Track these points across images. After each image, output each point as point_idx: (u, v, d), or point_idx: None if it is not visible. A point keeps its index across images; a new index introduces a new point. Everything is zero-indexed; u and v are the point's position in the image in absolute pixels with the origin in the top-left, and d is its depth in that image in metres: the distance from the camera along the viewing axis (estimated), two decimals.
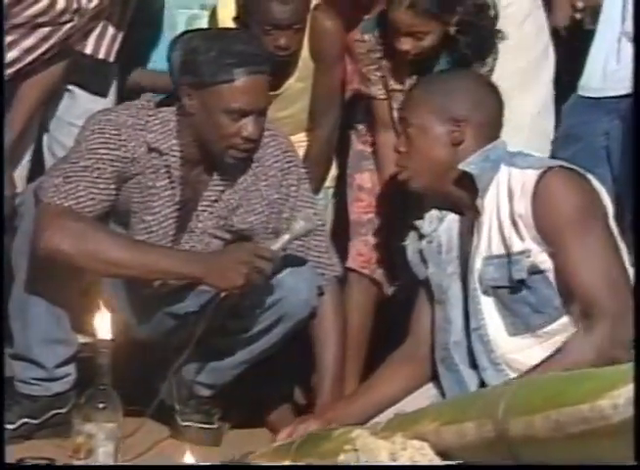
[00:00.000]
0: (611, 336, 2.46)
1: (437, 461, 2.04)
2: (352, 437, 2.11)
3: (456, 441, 2.03)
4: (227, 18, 3.48)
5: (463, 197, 2.67)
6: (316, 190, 3.38)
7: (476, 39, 3.17)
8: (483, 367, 2.63)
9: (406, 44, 3.13)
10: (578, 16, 3.26)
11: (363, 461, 2.02)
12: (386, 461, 2.03)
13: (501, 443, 1.93)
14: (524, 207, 2.57)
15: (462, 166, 2.64)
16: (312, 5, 3.46)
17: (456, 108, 2.66)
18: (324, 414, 2.73)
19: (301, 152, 3.45)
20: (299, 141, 3.51)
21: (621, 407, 1.69)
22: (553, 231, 2.54)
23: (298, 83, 3.50)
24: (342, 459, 2.07)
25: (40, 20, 3.15)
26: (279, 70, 3.38)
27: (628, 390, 1.69)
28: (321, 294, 3.07)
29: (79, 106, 3.37)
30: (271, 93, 3.29)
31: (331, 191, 3.59)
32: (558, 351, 2.51)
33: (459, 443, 2.02)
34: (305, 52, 3.47)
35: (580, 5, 3.22)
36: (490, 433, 1.95)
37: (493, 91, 2.75)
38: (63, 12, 3.17)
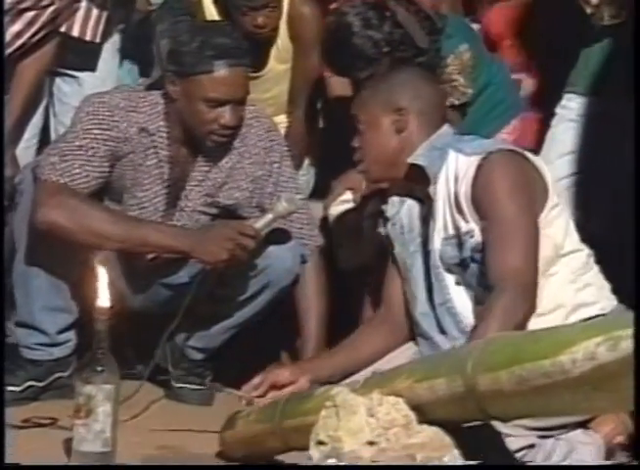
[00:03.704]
0: (515, 305, 2.48)
1: (412, 416, 2.04)
2: (332, 394, 2.11)
3: (429, 396, 2.03)
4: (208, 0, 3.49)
5: (417, 186, 2.70)
6: (298, 166, 3.38)
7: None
8: (454, 337, 2.64)
9: (348, 84, 3.12)
10: (589, 10, 3.20)
11: (342, 416, 2.02)
12: (363, 416, 2.03)
13: (470, 397, 1.93)
14: (465, 190, 2.60)
15: (411, 160, 2.67)
16: None
17: (398, 99, 2.70)
18: (299, 365, 2.75)
19: (284, 131, 3.45)
20: (282, 121, 3.51)
21: (580, 362, 1.69)
22: (484, 207, 2.57)
23: (280, 66, 3.50)
24: (324, 414, 2.08)
25: (23, 5, 3.17)
26: (261, 53, 3.39)
27: (586, 346, 1.70)
28: (304, 262, 3.09)
29: (85, 91, 3.36)
30: (255, 75, 3.31)
31: (312, 167, 3.59)
32: (481, 319, 2.52)
33: (431, 398, 2.02)
34: (285, 36, 3.47)
35: (594, 1, 3.14)
36: (460, 388, 1.95)
37: (432, 83, 2.80)
38: None
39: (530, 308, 2.50)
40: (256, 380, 2.68)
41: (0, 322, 2.98)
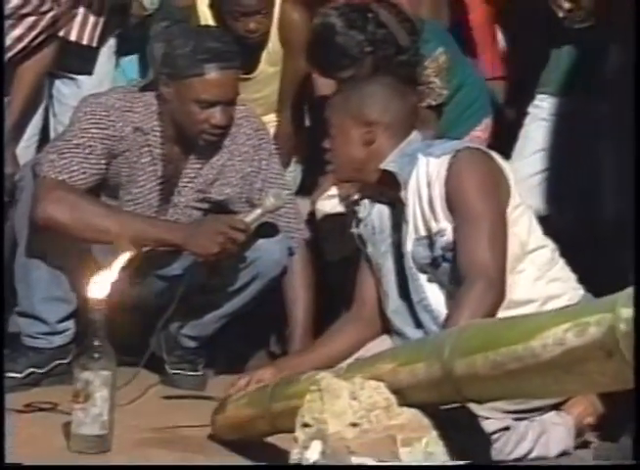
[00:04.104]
0: (484, 295, 2.48)
1: (392, 399, 2.04)
2: (317, 379, 2.11)
3: (409, 380, 2.03)
4: (203, 4, 3.48)
5: (389, 190, 2.69)
6: (286, 164, 3.38)
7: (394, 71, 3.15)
8: (432, 332, 2.64)
9: (333, 86, 3.10)
10: (561, 14, 3.18)
11: (326, 399, 2.03)
12: (347, 399, 2.03)
13: (447, 380, 1.94)
14: (439, 190, 2.59)
15: (383, 166, 2.66)
16: None
17: (368, 112, 2.68)
18: (279, 365, 2.75)
19: (273, 130, 3.45)
20: (271, 120, 3.51)
21: (550, 347, 1.70)
22: (455, 204, 2.57)
23: (270, 68, 3.50)
24: (309, 398, 2.08)
25: (24, 10, 3.17)
26: (253, 56, 3.39)
27: (555, 332, 1.70)
28: (291, 254, 3.08)
29: (83, 92, 3.35)
30: (247, 77, 3.31)
31: (299, 164, 3.59)
32: (453, 308, 2.53)
33: (411, 382, 2.03)
34: (276, 40, 3.47)
35: (567, 6, 3.14)
36: (438, 372, 1.95)
37: (401, 94, 2.77)
38: (42, 2, 3.18)
39: (499, 298, 2.51)
40: (242, 382, 2.66)
41: (0, 320, 2.96)
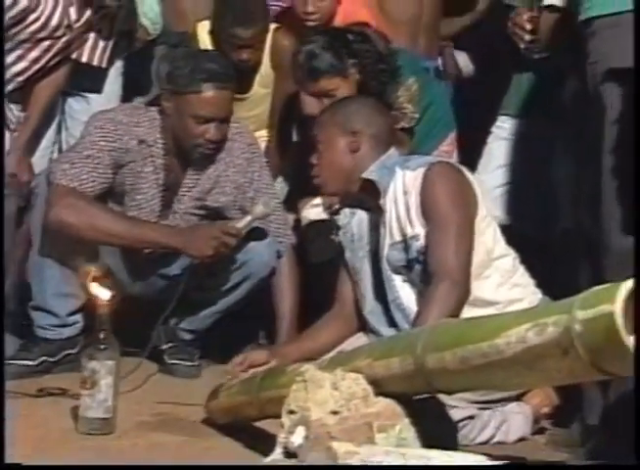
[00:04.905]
0: (450, 293, 2.48)
1: (370, 389, 2.03)
2: (302, 370, 2.10)
3: (384, 373, 2.02)
4: (203, 31, 3.47)
5: (369, 198, 2.69)
6: (275, 176, 3.37)
7: (376, 78, 3.14)
8: (404, 329, 2.64)
9: (321, 104, 3.07)
10: (522, 45, 3.16)
11: (310, 389, 2.01)
12: (328, 389, 2.02)
13: (419, 373, 1.93)
14: (414, 198, 2.59)
15: (365, 175, 2.66)
16: (273, 27, 3.45)
17: (353, 123, 2.69)
18: (270, 350, 2.76)
19: (264, 145, 3.44)
20: (263, 136, 3.51)
21: (512, 344, 1.69)
22: (428, 211, 2.57)
23: (262, 90, 3.49)
24: (294, 388, 2.06)
25: (40, 35, 3.16)
26: (248, 78, 3.38)
27: (518, 331, 1.70)
28: (279, 257, 3.08)
29: (93, 109, 3.33)
30: (241, 96, 3.31)
31: (287, 176, 3.57)
32: (421, 306, 2.53)
33: (386, 374, 2.01)
34: (268, 65, 3.47)
35: (527, 38, 3.12)
36: (411, 366, 1.94)
37: (382, 111, 2.80)
38: (57, 27, 3.17)
39: (463, 297, 2.50)
40: (239, 359, 2.68)
41: (0, 316, 2.94)
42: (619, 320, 1.54)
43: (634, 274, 1.55)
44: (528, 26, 3.07)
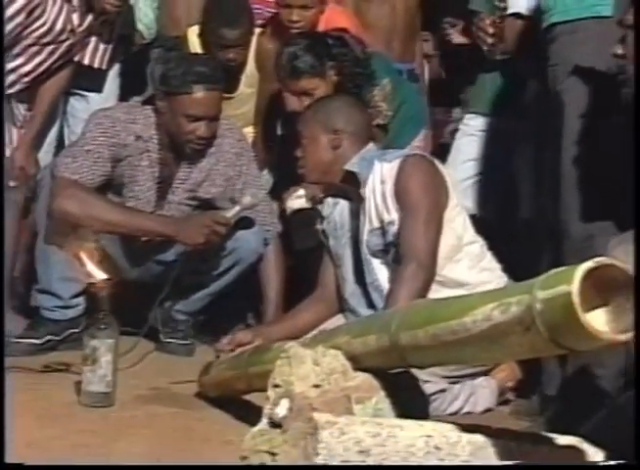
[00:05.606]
0: (417, 274, 2.48)
1: (348, 365, 2.02)
2: (286, 348, 2.08)
3: (362, 349, 2.01)
4: (193, 35, 3.44)
5: (350, 189, 2.69)
6: (262, 168, 3.36)
7: (352, 79, 3.12)
8: (380, 308, 2.63)
9: (301, 102, 3.05)
10: (485, 47, 3.17)
11: (294, 365, 2.00)
12: (310, 365, 2.01)
13: (394, 350, 1.92)
14: (390, 187, 2.58)
15: (347, 167, 2.66)
16: (258, 31, 3.43)
17: (335, 122, 2.69)
18: (255, 330, 2.76)
19: (250, 140, 3.42)
20: (249, 132, 3.49)
21: (479, 322, 1.67)
22: (402, 199, 2.56)
23: (248, 89, 3.48)
24: (279, 363, 2.05)
25: (45, 40, 3.14)
26: (234, 79, 3.36)
27: (484, 310, 1.68)
28: (266, 244, 3.06)
29: (92, 107, 3.31)
30: (229, 96, 3.29)
31: (273, 169, 3.56)
32: (391, 285, 2.52)
33: (364, 351, 2.00)
34: (252, 66, 3.45)
35: (490, 41, 3.12)
36: (386, 343, 1.93)
37: (360, 109, 2.79)
38: (60, 32, 3.14)
39: (428, 277, 2.50)
40: (226, 340, 2.66)
41: (0, 314, 2.92)
42: (576, 299, 1.53)
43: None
44: (491, 30, 3.06)
